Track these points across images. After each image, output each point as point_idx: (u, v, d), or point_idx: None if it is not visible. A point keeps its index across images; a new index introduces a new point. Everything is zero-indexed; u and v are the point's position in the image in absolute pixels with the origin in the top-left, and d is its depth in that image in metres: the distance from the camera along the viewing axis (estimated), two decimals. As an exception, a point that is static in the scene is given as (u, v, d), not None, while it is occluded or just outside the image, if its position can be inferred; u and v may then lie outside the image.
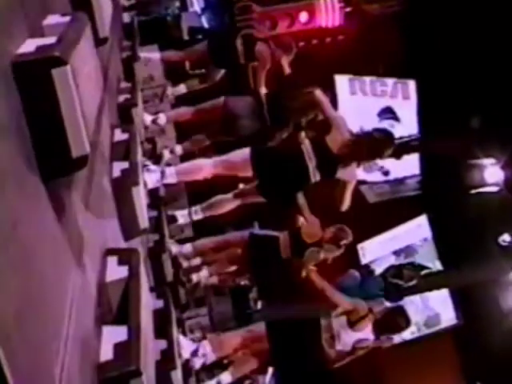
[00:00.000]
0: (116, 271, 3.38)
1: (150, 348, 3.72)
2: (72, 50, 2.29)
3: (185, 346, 6.12)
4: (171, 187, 7.17)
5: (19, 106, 2.20)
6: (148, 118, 7.21)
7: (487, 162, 11.54)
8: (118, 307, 3.26)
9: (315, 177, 6.26)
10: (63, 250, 2.59)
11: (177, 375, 4.80)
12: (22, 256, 2.00)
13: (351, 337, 6.37)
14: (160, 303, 5.20)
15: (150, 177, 6.13)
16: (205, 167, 6.53)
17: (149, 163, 6.38)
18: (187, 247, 7.14)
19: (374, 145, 6.19)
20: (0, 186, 1.87)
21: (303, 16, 11.88)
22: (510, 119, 10.05)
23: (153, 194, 6.30)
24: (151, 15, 10.08)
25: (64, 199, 2.61)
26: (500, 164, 11.28)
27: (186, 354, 6.12)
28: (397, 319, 6.53)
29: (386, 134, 6.42)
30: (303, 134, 6.87)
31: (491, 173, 11.51)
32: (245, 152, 6.43)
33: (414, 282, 7.40)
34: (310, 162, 6.23)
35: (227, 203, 6.94)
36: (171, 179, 6.41)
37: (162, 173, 6.30)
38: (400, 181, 13.11)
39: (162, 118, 7.31)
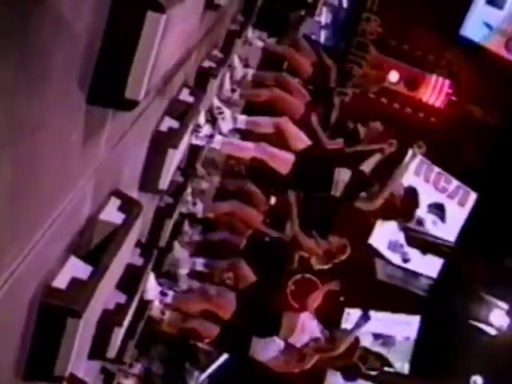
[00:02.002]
0: (112, 214, 3.36)
1: (105, 296, 3.71)
2: (175, 3, 2.28)
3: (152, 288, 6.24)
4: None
5: (103, 25, 2.20)
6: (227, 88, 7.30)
7: (500, 303, 11.37)
8: (95, 247, 3.24)
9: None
10: (73, 170, 2.58)
11: (118, 333, 4.76)
12: (28, 159, 1.99)
13: None
14: (139, 261, 5.17)
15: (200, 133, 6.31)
16: (249, 148, 6.85)
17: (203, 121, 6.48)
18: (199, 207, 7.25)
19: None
20: (40, 87, 1.86)
21: (411, 81, 11.80)
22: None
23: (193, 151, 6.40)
24: (278, 4, 10.01)
25: (97, 127, 2.60)
26: (507, 311, 11.11)
27: (150, 296, 6.20)
28: None
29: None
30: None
31: (497, 315, 11.34)
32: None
33: (373, 373, 7.30)
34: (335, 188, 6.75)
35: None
36: (216, 145, 6.65)
37: (211, 136, 6.41)
38: (414, 274, 12.99)
39: (237, 94, 7.41)
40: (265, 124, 7.05)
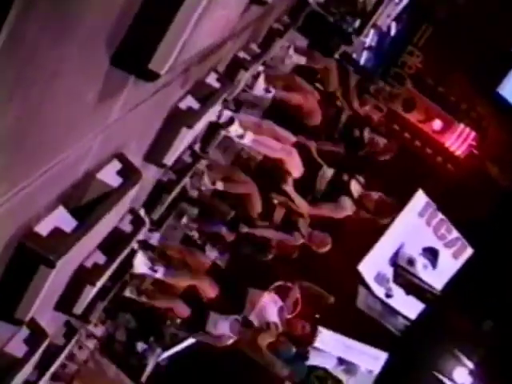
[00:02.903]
0: (110, 176, 3.38)
1: (84, 253, 3.73)
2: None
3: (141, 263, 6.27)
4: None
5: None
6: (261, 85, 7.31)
7: (466, 361, 11.37)
8: (85, 203, 3.26)
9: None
10: (82, 123, 2.60)
11: (89, 292, 4.76)
12: (41, 101, 2.00)
13: None
14: (128, 228, 5.18)
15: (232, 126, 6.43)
16: (277, 149, 7.10)
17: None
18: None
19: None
20: (68, 36, 1.88)
21: (437, 124, 11.79)
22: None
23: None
24: (329, 14, 9.94)
25: (115, 88, 2.61)
26: (471, 370, 11.12)
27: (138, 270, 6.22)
28: None
29: None
30: None
31: (461, 373, 11.34)
32: None
33: None
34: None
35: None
36: (248, 142, 6.86)
37: (241, 137, 6.61)
38: (393, 312, 12.98)
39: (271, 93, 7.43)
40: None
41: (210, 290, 6.81)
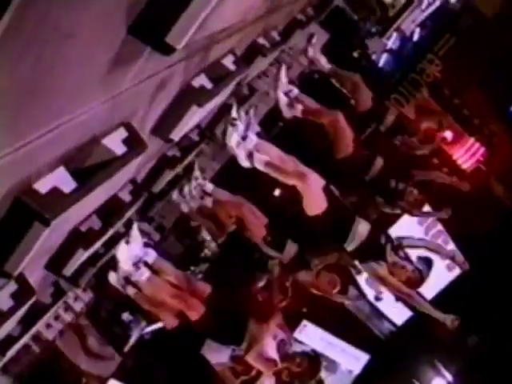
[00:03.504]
0: (115, 143, 3.40)
1: (79, 216, 3.76)
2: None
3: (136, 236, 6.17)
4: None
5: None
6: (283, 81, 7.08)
7: (446, 373, 11.42)
8: (87, 167, 3.29)
9: None
10: (93, 87, 2.62)
11: (81, 255, 4.79)
12: (53, 61, 2.02)
13: None
14: (127, 197, 5.20)
15: (234, 134, 6.21)
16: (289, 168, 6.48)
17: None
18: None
19: None
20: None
21: (449, 135, 11.75)
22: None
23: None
24: (354, 12, 9.86)
25: (130, 58, 2.63)
26: (449, 382, 11.18)
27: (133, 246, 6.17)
28: None
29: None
30: None
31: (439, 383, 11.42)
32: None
33: None
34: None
35: None
36: (258, 165, 6.44)
37: (250, 156, 6.36)
38: (380, 316, 13.02)
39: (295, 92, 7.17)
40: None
41: (193, 312, 6.49)
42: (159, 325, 8.48)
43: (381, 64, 11.07)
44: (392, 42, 11.29)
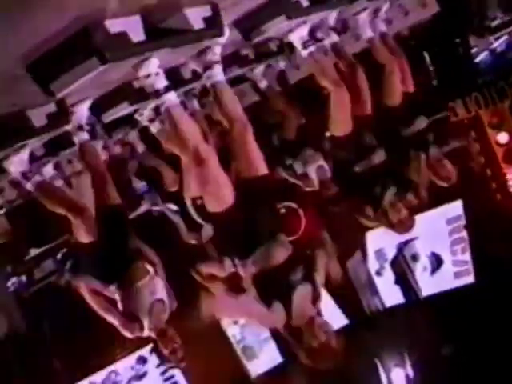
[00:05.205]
0: (195, 17, 3.45)
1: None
2: None
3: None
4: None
5: None
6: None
7: (409, 367, 11.57)
8: (161, 27, 3.33)
9: None
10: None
11: (124, 109, 4.73)
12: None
13: None
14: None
15: None
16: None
17: None
18: None
19: None
20: None
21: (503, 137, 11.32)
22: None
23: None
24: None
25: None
26: (408, 375, 11.35)
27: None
28: None
29: None
30: None
31: (398, 373, 11.57)
32: None
33: None
34: None
35: None
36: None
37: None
38: (374, 291, 13.07)
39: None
40: None
41: None
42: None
43: (477, 59, 10.84)
44: (499, 43, 11.03)
